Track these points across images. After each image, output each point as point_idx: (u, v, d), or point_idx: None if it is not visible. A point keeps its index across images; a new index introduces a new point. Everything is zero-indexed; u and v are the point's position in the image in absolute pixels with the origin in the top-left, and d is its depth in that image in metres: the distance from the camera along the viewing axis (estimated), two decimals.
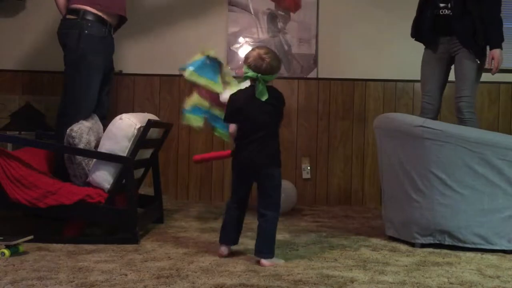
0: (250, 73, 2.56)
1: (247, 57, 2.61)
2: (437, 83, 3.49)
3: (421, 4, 3.52)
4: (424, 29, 3.47)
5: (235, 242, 2.71)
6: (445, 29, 3.40)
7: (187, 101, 3.12)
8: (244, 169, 2.62)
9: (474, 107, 3.37)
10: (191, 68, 3.06)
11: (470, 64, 3.33)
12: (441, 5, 3.39)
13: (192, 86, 3.16)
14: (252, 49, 2.66)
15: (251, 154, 2.56)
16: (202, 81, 3.08)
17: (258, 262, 2.51)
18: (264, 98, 2.55)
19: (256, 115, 2.57)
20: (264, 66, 2.55)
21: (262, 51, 2.59)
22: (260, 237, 2.56)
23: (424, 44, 3.55)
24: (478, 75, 3.38)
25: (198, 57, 3.09)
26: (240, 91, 2.67)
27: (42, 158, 3.23)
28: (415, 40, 3.58)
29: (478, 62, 3.33)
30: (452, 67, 3.48)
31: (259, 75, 2.55)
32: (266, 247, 2.54)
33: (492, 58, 3.31)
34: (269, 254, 2.53)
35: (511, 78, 4.53)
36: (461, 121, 3.32)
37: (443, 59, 3.47)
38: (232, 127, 2.66)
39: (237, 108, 2.61)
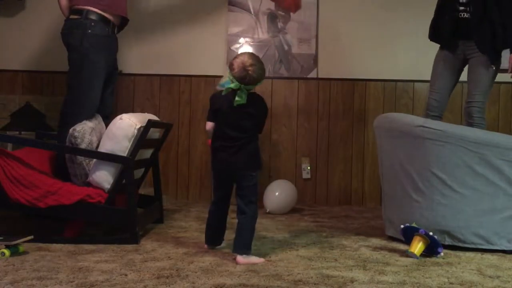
0: (233, 85, 2.57)
1: (231, 64, 2.59)
2: (448, 82, 3.45)
3: (440, 6, 3.46)
4: (444, 32, 3.42)
5: (218, 243, 2.81)
6: (464, 32, 3.35)
7: None
8: (221, 170, 2.69)
9: (485, 113, 3.33)
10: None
11: (485, 69, 3.29)
12: (461, 8, 3.34)
13: None
14: (237, 56, 2.63)
15: (228, 156, 2.62)
16: None
17: (235, 259, 2.54)
18: (241, 103, 2.57)
19: (233, 120, 2.61)
20: (247, 79, 2.56)
21: (247, 62, 2.56)
22: (237, 234, 2.62)
23: (442, 46, 3.49)
24: (492, 81, 3.34)
25: None
26: (220, 94, 2.65)
27: (43, 158, 3.23)
28: (432, 41, 3.52)
29: (494, 68, 3.28)
30: (465, 69, 3.44)
31: (242, 85, 2.57)
32: (241, 243, 2.58)
33: None
34: (244, 250, 2.56)
35: None
36: (471, 126, 3.26)
37: (458, 59, 3.43)
38: (209, 124, 2.70)
39: (216, 109, 2.66)
